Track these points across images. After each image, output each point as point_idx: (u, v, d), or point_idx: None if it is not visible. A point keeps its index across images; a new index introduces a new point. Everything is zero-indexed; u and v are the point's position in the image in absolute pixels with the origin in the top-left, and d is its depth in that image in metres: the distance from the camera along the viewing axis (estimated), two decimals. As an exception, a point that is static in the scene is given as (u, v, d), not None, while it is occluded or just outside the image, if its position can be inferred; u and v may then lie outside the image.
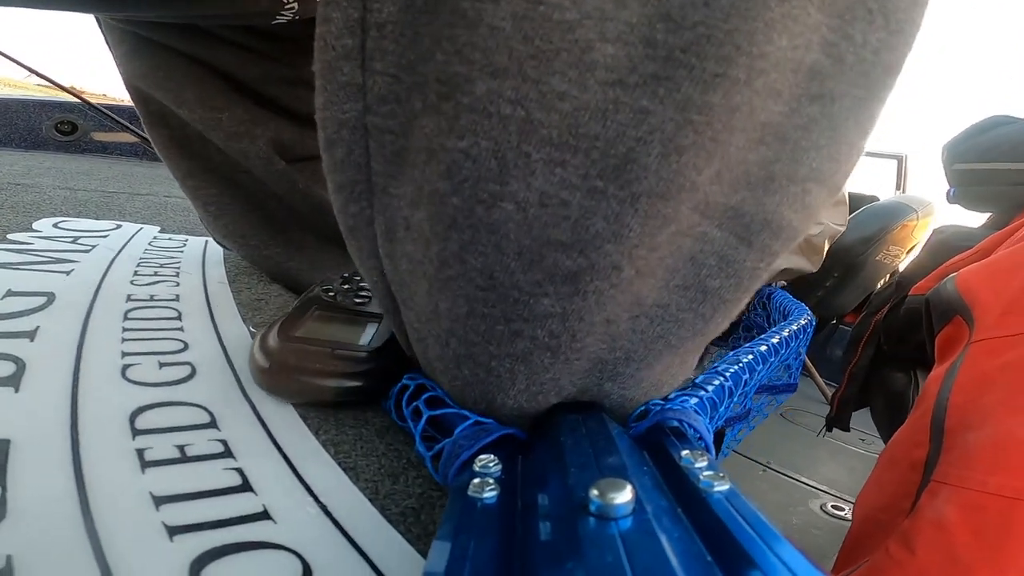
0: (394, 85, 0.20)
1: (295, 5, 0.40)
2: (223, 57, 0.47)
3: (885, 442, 0.57)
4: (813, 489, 1.40)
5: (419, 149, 0.20)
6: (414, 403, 0.28)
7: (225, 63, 0.47)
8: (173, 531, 0.20)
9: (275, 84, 0.49)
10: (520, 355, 0.22)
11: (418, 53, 0.19)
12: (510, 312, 0.21)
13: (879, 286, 1.62)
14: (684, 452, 0.19)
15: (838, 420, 1.07)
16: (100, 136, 1.27)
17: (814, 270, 1.45)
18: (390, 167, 0.22)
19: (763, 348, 0.39)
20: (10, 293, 0.37)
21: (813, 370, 1.84)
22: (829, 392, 1.50)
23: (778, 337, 0.44)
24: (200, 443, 0.25)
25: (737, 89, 0.17)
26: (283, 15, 0.40)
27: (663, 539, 0.14)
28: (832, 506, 1.31)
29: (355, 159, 0.22)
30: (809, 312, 0.57)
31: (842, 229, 1.45)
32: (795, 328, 0.49)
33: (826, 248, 1.43)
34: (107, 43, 0.48)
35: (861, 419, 1.05)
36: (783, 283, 1.77)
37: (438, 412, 0.26)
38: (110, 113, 1.10)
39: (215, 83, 0.47)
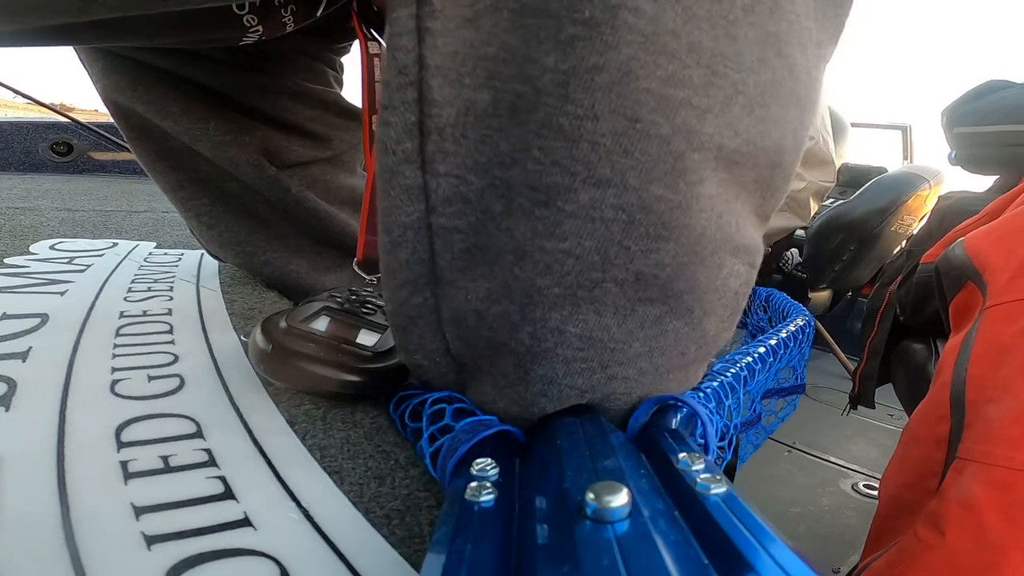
0: (460, 186, 0.21)
1: (260, 28, 0.39)
2: (200, 70, 0.46)
3: (910, 416, 0.56)
4: (843, 468, 1.38)
5: (503, 250, 0.21)
6: (438, 405, 0.27)
7: (203, 76, 0.46)
8: (151, 540, 0.20)
9: (256, 94, 0.49)
10: (611, 397, 0.24)
11: (490, 156, 0.20)
12: (607, 360, 0.23)
13: (893, 255, 1.60)
14: (681, 455, 0.19)
15: (862, 397, 1.04)
16: (98, 155, 1.28)
17: (804, 224, 1.56)
18: (459, 262, 0.23)
19: (761, 350, 0.38)
20: (5, 316, 0.37)
21: (835, 345, 1.82)
22: (852, 366, 1.47)
23: (775, 339, 0.44)
24: (184, 453, 0.25)
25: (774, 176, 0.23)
26: (249, 37, 0.40)
27: (659, 542, 0.14)
28: (864, 485, 1.29)
29: (419, 257, 0.23)
30: (807, 312, 0.56)
31: (829, 186, 1.52)
32: (792, 329, 0.48)
33: (812, 206, 1.50)
34: (82, 62, 0.48)
35: (888, 394, 1.03)
36: (787, 279, 1.78)
37: (454, 418, 0.26)
38: (103, 132, 1.11)
39: (196, 94, 0.46)
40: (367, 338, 0.33)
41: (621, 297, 0.22)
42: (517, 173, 0.20)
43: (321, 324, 0.32)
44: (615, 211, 0.20)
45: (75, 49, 0.47)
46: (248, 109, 0.49)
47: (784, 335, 0.46)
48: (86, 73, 0.48)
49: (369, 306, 0.38)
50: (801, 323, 0.51)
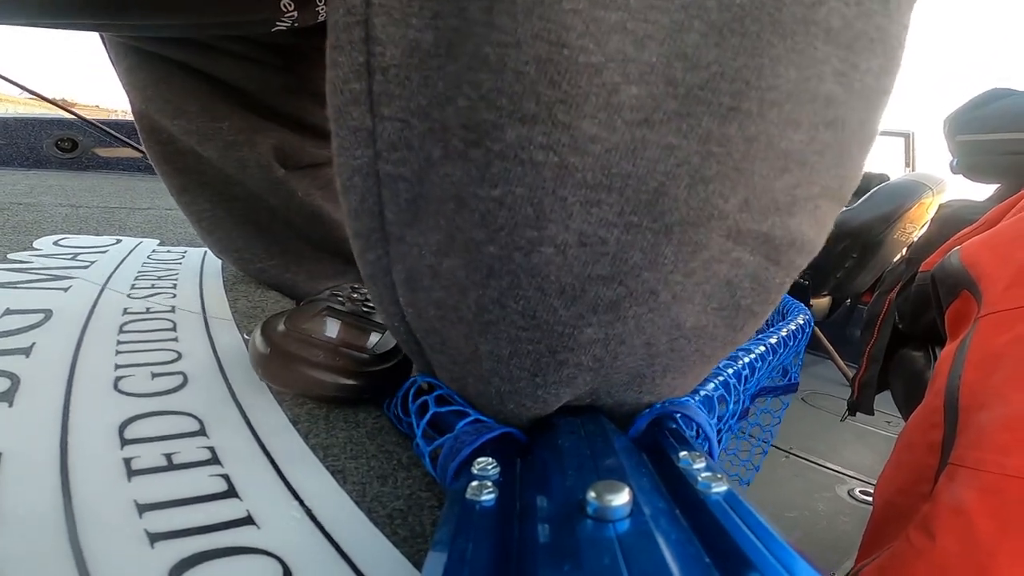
0: (404, 131, 0.20)
1: (294, 13, 0.39)
2: (225, 67, 0.47)
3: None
4: (839, 474, 1.38)
5: (444, 198, 0.20)
6: (422, 398, 0.27)
7: (227, 73, 0.47)
8: (155, 538, 0.20)
9: (278, 93, 0.49)
10: (565, 380, 0.23)
11: (430, 98, 0.19)
12: (555, 344, 0.21)
13: (893, 263, 1.60)
14: (682, 453, 0.19)
15: (861, 404, 1.04)
16: (102, 152, 1.28)
17: None
18: (405, 215, 0.22)
19: (760, 349, 0.38)
20: (8, 312, 0.37)
21: (833, 352, 1.82)
22: (850, 373, 1.48)
23: (776, 337, 0.43)
24: (187, 451, 0.25)
25: (751, 121, 0.18)
26: (282, 22, 0.40)
27: (661, 541, 0.14)
28: (860, 491, 1.29)
29: (369, 207, 0.22)
30: (807, 311, 0.56)
31: None
32: (792, 328, 0.48)
33: None
34: (110, 58, 0.48)
35: (886, 401, 1.03)
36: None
37: (444, 409, 0.26)
38: (107, 128, 1.11)
39: (217, 93, 0.47)
40: (367, 339, 0.33)
41: (564, 270, 0.20)
42: (451, 112, 0.19)
43: (321, 326, 0.32)
44: (544, 152, 0.18)
45: (104, 44, 0.47)
46: (267, 108, 0.49)
47: (784, 333, 0.45)
48: (113, 70, 0.48)
49: (371, 303, 0.38)
50: (801, 322, 0.51)
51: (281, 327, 0.31)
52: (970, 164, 1.09)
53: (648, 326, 0.21)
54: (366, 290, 0.41)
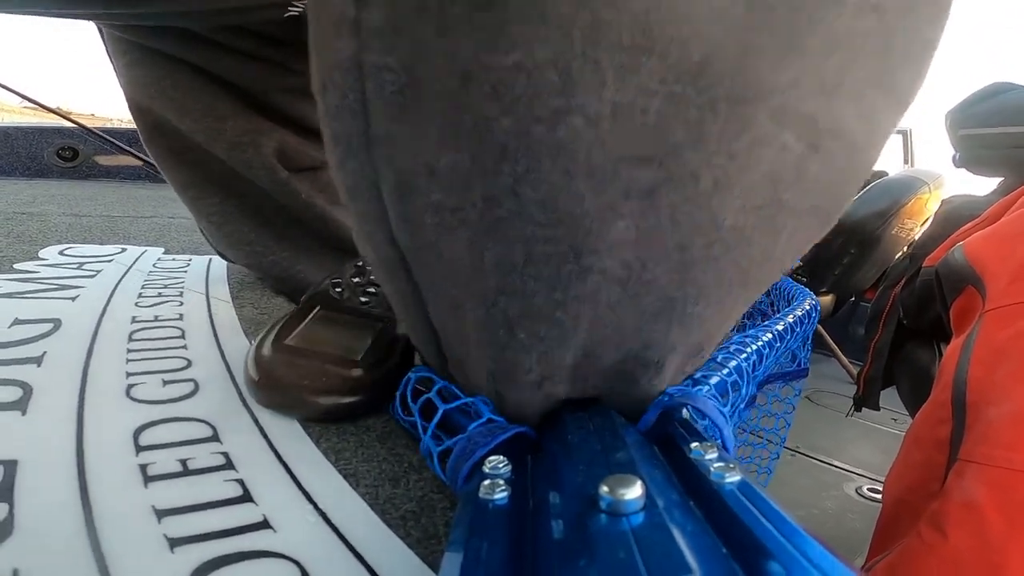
0: (390, 13, 0.18)
1: None
2: (227, 65, 0.46)
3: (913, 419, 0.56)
4: (847, 472, 1.37)
5: (445, 77, 0.18)
6: (424, 396, 0.27)
7: (230, 71, 0.46)
8: (174, 543, 0.20)
9: (281, 93, 0.49)
10: (589, 295, 0.20)
11: None
12: (580, 244, 0.19)
13: (896, 259, 1.60)
14: (694, 444, 0.19)
15: (866, 399, 1.05)
16: (103, 160, 1.29)
17: None
18: (393, 108, 0.19)
19: (767, 336, 0.37)
20: (17, 321, 0.37)
21: (837, 349, 1.81)
22: (855, 371, 1.48)
23: (783, 324, 0.42)
24: (202, 456, 0.25)
25: None
26: (296, 6, 0.39)
27: (676, 533, 0.14)
28: (868, 489, 1.29)
29: (349, 104, 0.20)
30: (813, 295, 0.55)
31: None
32: (799, 313, 0.47)
33: None
34: (108, 54, 0.48)
35: (891, 398, 1.03)
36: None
37: (455, 404, 0.25)
38: (108, 137, 1.11)
39: (219, 92, 0.46)
40: (362, 341, 0.33)
41: (596, 148, 0.17)
42: None
43: (310, 337, 0.32)
44: (575, 7, 0.15)
45: (104, 41, 0.47)
46: (270, 109, 0.48)
47: (791, 319, 0.45)
48: (112, 67, 0.48)
49: (372, 290, 0.37)
50: (807, 307, 0.50)
51: (266, 348, 0.31)
52: (973, 158, 1.09)
53: (684, 219, 0.19)
54: (369, 273, 0.40)
